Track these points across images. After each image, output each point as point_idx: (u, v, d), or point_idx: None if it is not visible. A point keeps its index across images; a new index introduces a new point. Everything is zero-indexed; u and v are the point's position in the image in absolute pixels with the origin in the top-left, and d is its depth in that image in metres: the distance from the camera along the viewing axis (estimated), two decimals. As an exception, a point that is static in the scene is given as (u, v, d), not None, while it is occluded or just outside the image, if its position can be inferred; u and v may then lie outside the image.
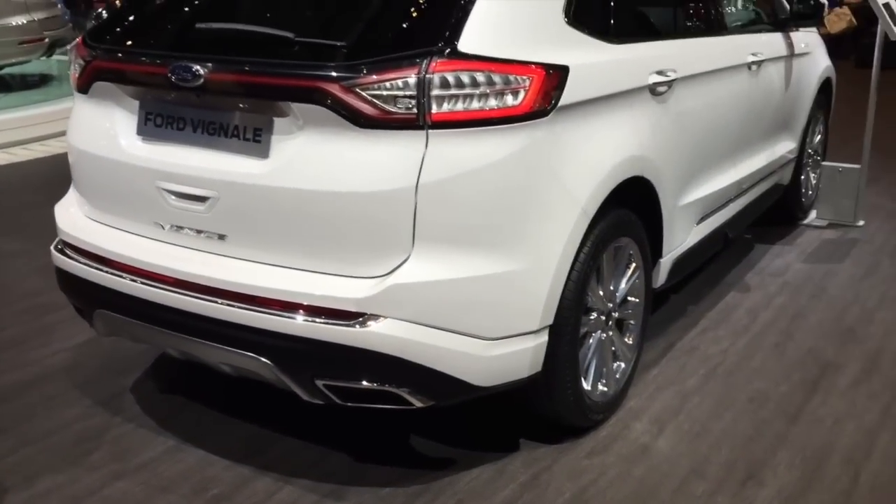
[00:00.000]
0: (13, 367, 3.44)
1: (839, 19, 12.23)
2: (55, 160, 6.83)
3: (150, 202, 2.64)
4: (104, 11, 3.12)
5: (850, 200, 5.05)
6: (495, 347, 2.47)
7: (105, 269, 2.72)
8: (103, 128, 2.77)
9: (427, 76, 2.25)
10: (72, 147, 2.93)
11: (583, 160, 2.60)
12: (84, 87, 2.83)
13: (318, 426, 2.98)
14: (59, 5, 9.71)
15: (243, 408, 3.09)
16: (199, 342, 2.56)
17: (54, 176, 6.15)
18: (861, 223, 5.07)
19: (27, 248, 4.79)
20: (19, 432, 2.98)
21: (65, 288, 2.97)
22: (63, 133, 7.70)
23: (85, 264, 2.79)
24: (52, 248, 2.96)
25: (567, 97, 2.48)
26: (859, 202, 5.05)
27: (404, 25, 2.44)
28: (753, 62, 3.86)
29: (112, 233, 2.79)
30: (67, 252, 2.89)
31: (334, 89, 2.28)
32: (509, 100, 2.36)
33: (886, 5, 4.85)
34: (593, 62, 2.67)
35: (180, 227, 2.60)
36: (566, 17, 2.64)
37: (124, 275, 2.66)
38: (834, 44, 11.88)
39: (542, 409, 2.84)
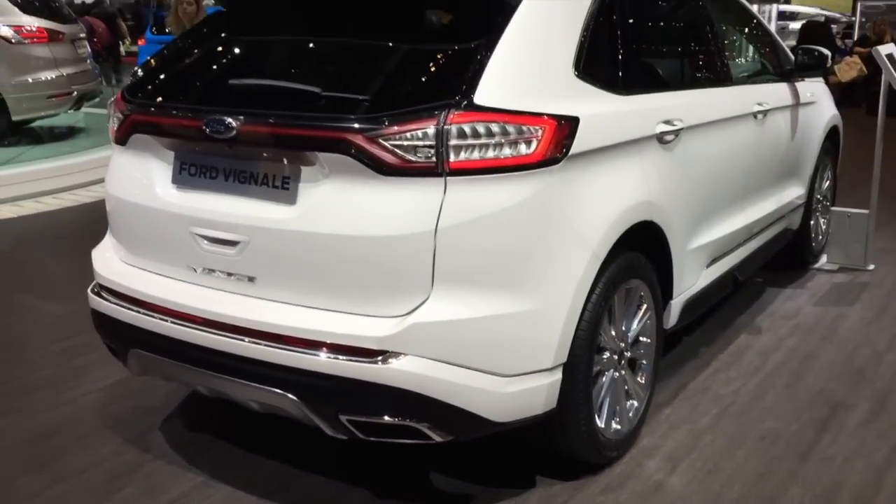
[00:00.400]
0: (47, 407, 3.57)
1: (850, 68, 12.38)
2: (84, 209, 7.06)
3: (183, 247, 2.79)
4: (139, 69, 3.30)
5: (860, 245, 5.15)
6: (511, 384, 2.58)
7: (140, 310, 2.86)
8: (140, 177, 2.94)
9: (445, 127, 2.40)
10: (110, 195, 3.10)
11: (594, 205, 2.73)
12: (122, 140, 3.00)
13: (339, 463, 3.09)
14: (89, 60, 10.07)
15: (268, 445, 3.20)
16: (229, 380, 2.68)
17: (83, 224, 6.39)
18: (871, 267, 5.16)
19: (59, 293, 4.96)
20: (53, 469, 3.10)
21: (100, 329, 3.11)
22: (92, 183, 7.92)
23: (120, 306, 2.93)
24: (88, 290, 3.11)
25: (578, 146, 2.62)
26: (869, 247, 5.15)
27: (423, 79, 2.60)
28: (759, 111, 4.00)
29: (147, 276, 2.93)
30: (104, 295, 3.03)
31: (358, 140, 2.43)
32: (523, 149, 2.50)
33: (890, 56, 5.00)
34: (602, 113, 2.82)
35: (212, 270, 2.74)
36: (576, 70, 2.79)
37: (158, 315, 2.80)
38: (845, 92, 12.11)
39: (557, 445, 2.93)
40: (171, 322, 2.77)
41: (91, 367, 3.93)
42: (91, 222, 6.56)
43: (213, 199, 2.75)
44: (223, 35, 3.22)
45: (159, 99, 2.97)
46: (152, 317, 2.82)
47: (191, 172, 2.82)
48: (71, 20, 10.04)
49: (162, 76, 3.12)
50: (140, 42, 14.64)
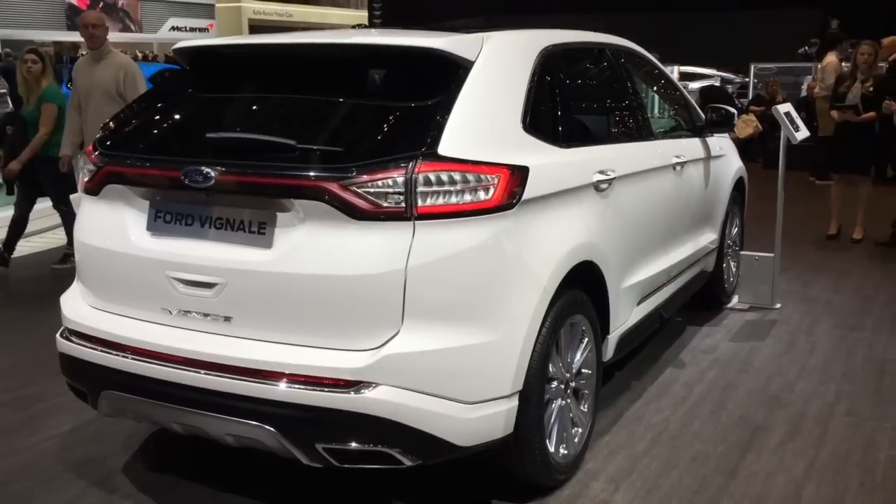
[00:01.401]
0: (6, 454, 3.60)
1: (746, 125, 13.21)
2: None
3: (158, 290, 2.93)
4: (110, 122, 3.43)
5: (767, 286, 5.60)
6: (474, 410, 2.80)
7: (113, 352, 2.97)
8: (112, 225, 3.07)
9: (413, 175, 2.66)
10: (80, 243, 3.22)
11: (543, 245, 3.01)
12: (94, 190, 3.14)
13: (307, 496, 3.23)
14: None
15: (235, 482, 3.31)
16: (205, 415, 2.82)
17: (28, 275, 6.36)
18: (778, 306, 5.61)
19: (4, 342, 4.94)
20: (20, 513, 3.15)
21: (68, 372, 3.20)
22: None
23: (92, 349, 3.04)
24: (57, 335, 3.20)
25: (529, 192, 2.91)
26: (775, 287, 5.60)
27: (390, 132, 2.85)
28: (677, 163, 4.40)
29: (119, 319, 3.05)
30: (73, 339, 3.13)
31: (333, 187, 2.66)
32: (481, 195, 2.77)
33: (787, 114, 5.54)
34: (548, 163, 3.12)
35: (188, 312, 2.89)
36: (523, 124, 3.10)
37: (133, 356, 2.92)
38: (743, 148, 12.93)
39: (513, 469, 3.14)
40: (146, 362, 2.89)
41: (45, 416, 3.97)
42: (31, 276, 6.54)
43: (189, 244, 2.91)
44: (190, 90, 3.41)
45: (134, 151, 3.12)
46: (126, 357, 2.94)
47: (166, 220, 2.98)
48: None
49: (133, 129, 3.27)
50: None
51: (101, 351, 3.01)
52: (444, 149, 2.73)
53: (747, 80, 16.74)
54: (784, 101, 13.43)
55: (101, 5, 31.75)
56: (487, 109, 2.99)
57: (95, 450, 3.64)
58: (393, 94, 3.00)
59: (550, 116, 3.36)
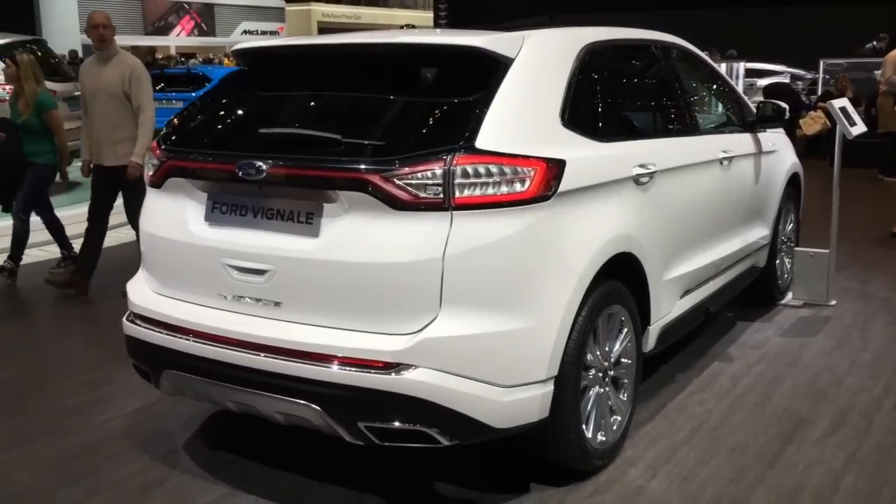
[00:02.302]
0: (76, 431, 3.86)
1: (814, 122, 12.98)
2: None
3: (215, 276, 3.13)
4: (174, 119, 3.65)
5: (822, 282, 5.55)
6: (510, 394, 2.92)
7: (174, 334, 3.19)
8: (174, 216, 3.29)
9: (451, 168, 2.79)
10: (144, 233, 3.44)
11: (579, 237, 3.11)
12: (158, 183, 3.36)
13: (352, 473, 3.40)
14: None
15: (285, 460, 3.50)
16: (257, 394, 3.00)
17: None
18: (833, 303, 5.56)
19: (70, 334, 5.25)
20: (88, 484, 3.38)
21: (133, 353, 3.43)
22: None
23: (155, 331, 3.26)
24: (123, 319, 3.43)
25: (565, 185, 3.01)
26: (830, 284, 5.55)
27: (430, 127, 2.98)
28: (724, 158, 4.43)
29: (179, 304, 3.26)
30: (138, 322, 3.36)
31: (376, 179, 2.81)
32: (518, 187, 2.89)
33: (843, 109, 5.49)
34: (585, 157, 3.22)
35: (241, 297, 3.08)
36: (562, 120, 3.20)
37: (192, 338, 3.12)
38: (811, 145, 12.70)
39: (550, 453, 3.25)
40: (204, 344, 3.09)
41: (113, 397, 4.23)
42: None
43: (243, 233, 3.10)
44: (245, 90, 3.61)
45: (193, 146, 3.33)
46: (186, 340, 3.14)
47: (222, 211, 3.18)
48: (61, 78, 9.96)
49: (194, 126, 3.49)
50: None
51: (163, 333, 3.22)
52: (481, 142, 2.86)
53: (817, 75, 16.36)
54: (854, 97, 13.18)
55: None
56: (526, 104, 3.10)
57: (159, 428, 3.88)
58: (435, 90, 3.13)
59: (590, 111, 3.45)
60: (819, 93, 14.98)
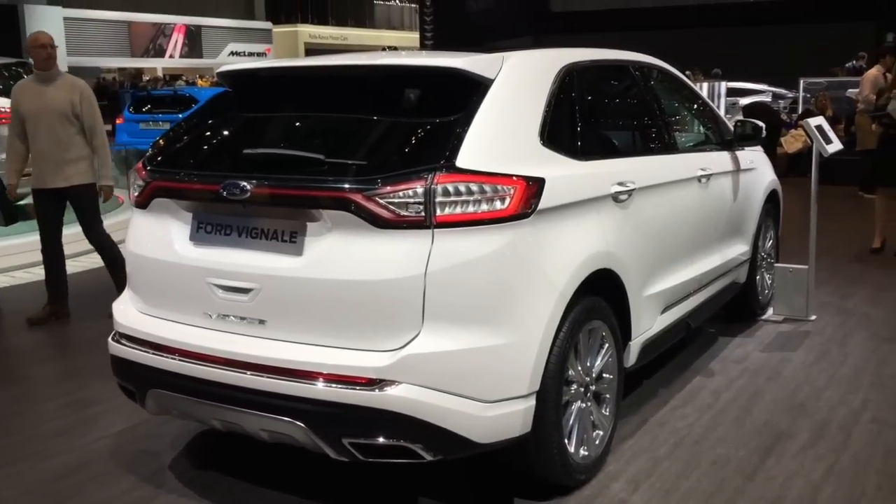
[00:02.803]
0: (61, 452, 3.86)
1: (795, 140, 13.19)
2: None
3: (200, 296, 3.16)
4: (160, 140, 3.70)
5: (802, 298, 5.63)
6: (492, 409, 2.96)
7: (159, 353, 3.21)
8: (159, 236, 3.32)
9: (432, 186, 2.84)
10: (130, 253, 3.48)
11: (559, 253, 3.17)
12: (143, 204, 3.40)
13: (337, 490, 3.42)
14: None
15: (270, 477, 3.52)
16: (242, 412, 3.03)
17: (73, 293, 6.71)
18: (813, 318, 5.64)
19: (56, 355, 5.26)
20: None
21: (119, 373, 3.45)
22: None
23: (140, 350, 3.28)
24: (109, 339, 3.45)
25: (545, 203, 3.07)
26: (810, 299, 5.63)
27: (412, 146, 3.04)
28: (702, 176, 4.51)
29: (164, 323, 3.29)
30: (123, 342, 3.38)
31: (358, 198, 2.86)
32: (498, 205, 2.94)
33: (819, 127, 5.59)
34: (565, 175, 3.28)
35: (226, 315, 3.11)
36: (541, 139, 3.26)
37: (177, 357, 3.15)
38: (792, 163, 12.86)
39: (533, 468, 3.28)
40: (189, 362, 3.12)
41: (98, 417, 4.23)
42: (76, 294, 6.88)
43: (227, 252, 3.14)
44: (230, 111, 3.66)
45: (179, 167, 3.37)
46: (171, 358, 3.17)
47: (207, 230, 3.22)
48: None
49: (178, 147, 3.53)
50: (118, 121, 15.15)
51: (149, 352, 3.25)
52: (462, 161, 2.91)
53: (798, 94, 16.57)
54: (834, 115, 13.36)
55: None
56: (506, 124, 3.17)
57: (145, 448, 3.89)
58: (417, 111, 3.19)
59: (569, 130, 3.52)
60: (800, 111, 15.17)
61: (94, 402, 4.43)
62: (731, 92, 16.64)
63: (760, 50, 21.84)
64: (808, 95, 15.62)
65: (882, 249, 7.76)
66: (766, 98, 18.39)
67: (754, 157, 5.44)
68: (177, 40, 35.45)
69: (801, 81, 15.73)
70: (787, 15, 21.83)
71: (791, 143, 13.14)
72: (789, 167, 12.67)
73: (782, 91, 19.35)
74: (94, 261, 7.87)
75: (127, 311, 3.46)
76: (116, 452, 3.86)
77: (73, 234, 8.41)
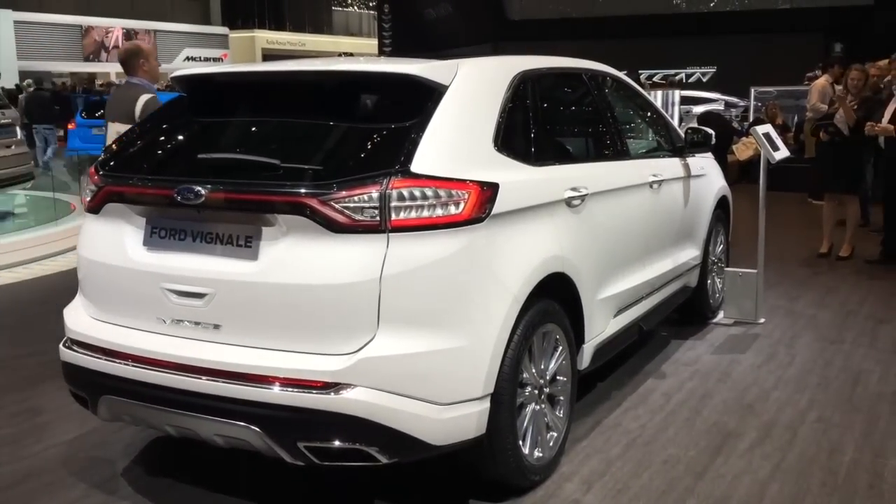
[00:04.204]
0: (12, 460, 3.80)
1: (746, 148, 13.42)
2: (23, 286, 7.28)
3: (153, 301, 3.15)
4: (112, 145, 3.67)
5: (751, 301, 5.76)
6: (447, 411, 2.99)
7: (111, 359, 3.19)
8: (112, 241, 3.30)
9: (387, 191, 2.87)
10: (82, 258, 3.44)
11: (513, 257, 3.21)
12: (96, 209, 3.37)
13: (292, 496, 3.42)
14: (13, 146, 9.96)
15: (225, 484, 3.51)
16: (196, 417, 3.02)
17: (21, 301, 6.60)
18: (762, 320, 5.77)
19: (6, 363, 5.17)
20: (24, 512, 3.35)
21: (70, 380, 3.41)
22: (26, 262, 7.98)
23: (92, 356, 3.25)
24: (60, 345, 3.41)
25: (498, 207, 3.12)
26: (759, 302, 5.76)
27: (367, 152, 3.06)
28: (654, 181, 4.60)
29: (117, 329, 3.27)
30: (75, 348, 3.35)
31: (314, 203, 2.87)
32: (452, 209, 2.98)
33: (767, 135, 5.73)
34: (518, 180, 3.33)
35: (180, 321, 3.10)
36: (495, 145, 3.31)
37: (130, 363, 3.13)
38: (744, 170, 13.11)
39: (488, 470, 3.32)
40: (142, 368, 3.10)
41: (50, 425, 4.18)
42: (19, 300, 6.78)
43: (182, 257, 3.13)
44: (184, 116, 3.65)
45: (133, 171, 3.35)
46: (124, 364, 3.15)
47: (161, 235, 3.21)
48: None
49: (132, 151, 3.51)
50: (70, 126, 14.92)
51: (100, 358, 3.22)
52: (417, 166, 2.95)
53: (749, 103, 16.92)
54: (783, 124, 13.66)
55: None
56: (460, 130, 3.21)
57: (97, 455, 3.85)
58: (373, 117, 3.22)
59: (523, 137, 3.57)
60: (751, 119, 15.48)
61: (46, 409, 4.37)
62: (685, 100, 16.94)
63: (712, 59, 22.26)
64: (759, 104, 15.95)
65: (829, 254, 7.96)
66: (719, 107, 18.73)
67: (704, 164, 5.55)
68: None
69: (752, 90, 16.06)
70: (739, 25, 22.25)
71: (742, 150, 13.36)
72: (741, 174, 12.90)
73: (734, 100, 19.72)
74: (46, 267, 7.79)
75: (79, 317, 3.43)
76: (69, 460, 3.81)
77: (25, 240, 8.40)
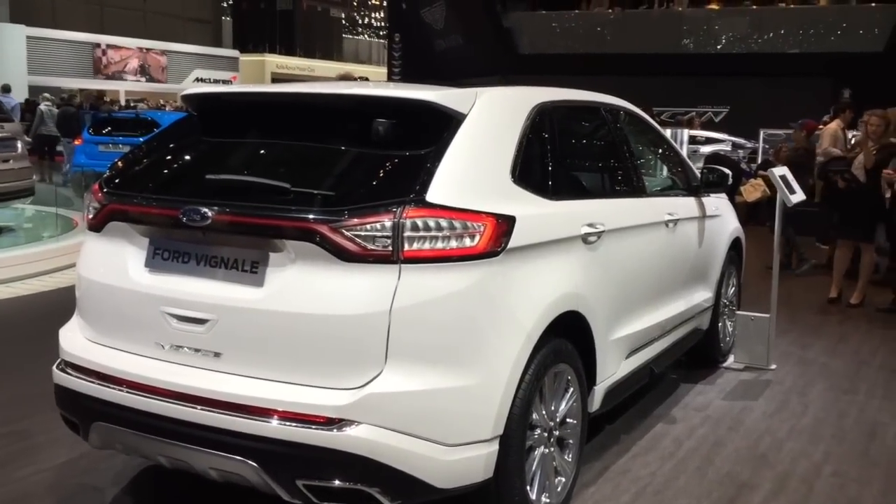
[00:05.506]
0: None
1: (754, 189, 13.30)
2: (23, 301, 7.15)
3: (153, 325, 3.02)
4: (118, 161, 3.56)
5: (763, 346, 5.62)
6: (454, 453, 2.85)
7: (106, 384, 3.05)
8: (113, 261, 3.18)
9: (401, 220, 2.76)
10: (82, 278, 3.32)
11: (528, 294, 3.09)
12: (98, 227, 3.26)
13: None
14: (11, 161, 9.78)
15: (219, 518, 3.36)
16: (191, 449, 2.88)
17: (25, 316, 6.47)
18: (773, 367, 5.63)
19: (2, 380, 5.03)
20: (7, 541, 3.20)
21: (62, 403, 3.27)
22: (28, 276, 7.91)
23: (86, 380, 3.12)
24: (54, 367, 3.28)
25: (514, 241, 3.00)
26: (770, 348, 5.63)
27: (381, 179, 2.96)
28: (670, 220, 4.49)
29: (113, 352, 3.14)
30: (69, 370, 3.22)
31: (324, 230, 2.76)
32: (467, 242, 2.87)
33: (783, 177, 5.63)
34: (535, 214, 3.22)
35: (179, 347, 2.98)
36: (512, 176, 3.20)
37: (125, 389, 3.00)
38: (751, 211, 13.01)
39: (493, 515, 3.17)
40: (137, 395, 2.97)
41: (38, 449, 4.03)
42: (27, 317, 6.66)
43: (184, 281, 3.01)
44: (193, 135, 3.54)
45: (137, 190, 3.24)
46: (118, 390, 3.02)
47: (164, 257, 3.09)
48: None
49: (137, 170, 3.41)
50: (77, 142, 14.87)
51: (94, 383, 3.09)
52: (432, 196, 2.84)
53: (757, 145, 16.88)
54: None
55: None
56: (477, 160, 3.10)
57: (86, 482, 3.70)
58: (388, 143, 3.11)
59: (540, 169, 3.47)
60: (759, 161, 15.43)
61: (37, 432, 4.22)
62: (693, 140, 16.90)
63: (720, 100, 22.27)
64: (767, 146, 15.91)
65: (839, 300, 7.83)
66: (726, 147, 18.65)
67: (719, 204, 5.45)
68: (141, 64, 35.17)
69: (762, 132, 16.03)
70: (747, 67, 22.31)
71: (751, 192, 13.24)
72: (749, 216, 12.81)
73: (741, 140, 19.69)
74: (45, 283, 7.67)
75: (74, 339, 3.30)
76: (56, 487, 3.66)
77: (24, 255, 8.30)
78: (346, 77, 10.67)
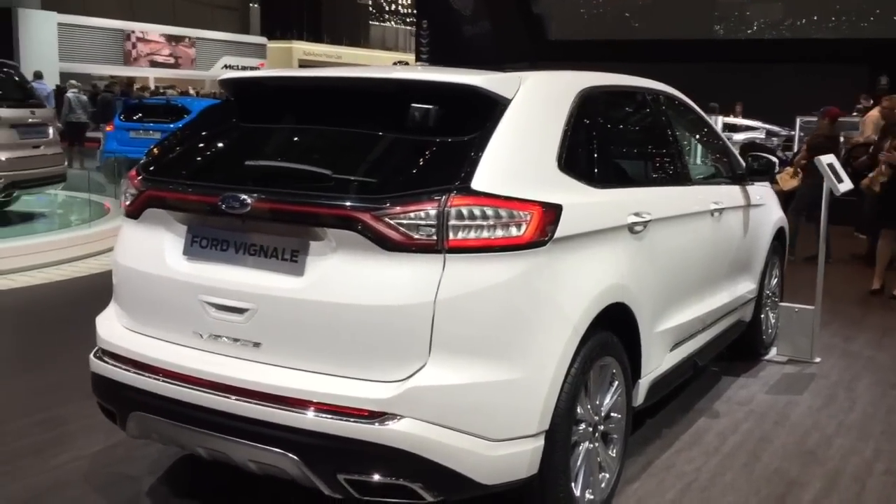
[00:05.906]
0: (35, 472, 3.63)
1: (791, 178, 13.14)
2: (52, 287, 7.17)
3: (191, 314, 2.96)
4: (154, 148, 3.50)
5: (807, 339, 5.47)
6: (499, 448, 2.77)
7: (144, 373, 3.01)
8: (151, 248, 3.13)
9: (446, 209, 2.67)
10: (118, 265, 3.27)
11: (575, 285, 3.00)
12: (135, 213, 3.20)
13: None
14: (42, 146, 9.68)
15: (256, 511, 3.31)
16: (230, 440, 2.83)
17: (55, 302, 6.47)
18: (818, 360, 5.48)
19: (35, 366, 5.02)
20: (44, 531, 3.17)
21: (99, 392, 3.23)
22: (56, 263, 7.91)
23: (124, 369, 3.07)
24: (91, 355, 3.24)
25: (561, 231, 2.90)
26: (815, 341, 5.48)
27: (425, 166, 2.86)
28: (715, 209, 4.36)
29: (151, 341, 3.09)
30: (106, 359, 3.17)
31: (366, 218, 2.68)
32: (513, 231, 2.77)
33: (830, 165, 5.47)
34: (582, 203, 3.12)
35: (218, 336, 2.91)
36: (559, 164, 3.10)
37: (163, 378, 2.95)
38: (786, 200, 12.77)
39: (537, 511, 3.09)
40: (176, 385, 2.91)
41: (74, 436, 4.01)
42: (53, 301, 6.67)
43: (223, 269, 2.95)
44: (230, 121, 3.47)
45: (174, 176, 3.17)
46: (156, 380, 2.96)
47: (202, 245, 3.03)
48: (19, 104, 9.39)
49: (176, 155, 3.34)
50: (108, 128, 14.93)
51: (132, 372, 3.05)
52: (477, 184, 2.75)
53: (793, 132, 16.58)
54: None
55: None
56: (523, 147, 3.00)
57: (122, 471, 3.67)
58: (430, 129, 3.01)
59: (586, 156, 3.36)
60: (794, 149, 15.14)
61: (73, 418, 4.20)
62: (726, 127, 16.63)
63: (754, 86, 21.91)
64: (803, 134, 15.60)
65: (882, 291, 7.64)
66: (760, 135, 18.37)
67: (763, 193, 5.31)
68: (170, 50, 35.32)
69: (798, 119, 15.73)
70: (781, 55, 21.95)
71: (786, 180, 13.04)
72: (784, 204, 12.58)
73: (776, 128, 19.36)
74: (78, 269, 7.68)
75: (112, 327, 3.25)
76: (91, 475, 3.63)
77: (67, 239, 8.33)
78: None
